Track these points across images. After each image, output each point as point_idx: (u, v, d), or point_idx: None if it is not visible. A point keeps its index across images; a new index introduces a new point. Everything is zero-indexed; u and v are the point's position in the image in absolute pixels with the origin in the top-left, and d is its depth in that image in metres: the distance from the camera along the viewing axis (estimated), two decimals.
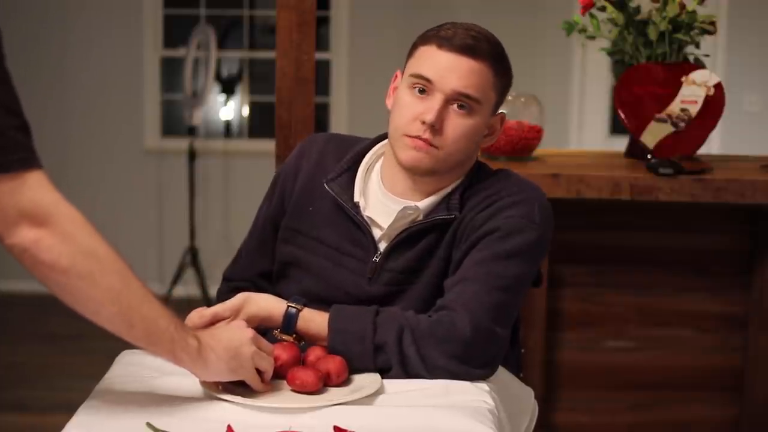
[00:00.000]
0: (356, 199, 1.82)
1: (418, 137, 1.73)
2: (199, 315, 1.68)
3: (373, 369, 1.65)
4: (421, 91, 1.73)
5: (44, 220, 1.36)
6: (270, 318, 1.71)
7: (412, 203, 1.80)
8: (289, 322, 1.69)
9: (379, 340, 1.65)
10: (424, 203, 1.79)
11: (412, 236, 1.79)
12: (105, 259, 1.40)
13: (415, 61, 1.76)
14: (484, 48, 1.73)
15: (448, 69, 1.72)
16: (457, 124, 1.73)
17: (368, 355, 1.65)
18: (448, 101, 1.72)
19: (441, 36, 1.74)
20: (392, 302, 1.77)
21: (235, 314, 1.69)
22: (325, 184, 1.84)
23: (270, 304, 1.72)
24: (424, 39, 1.77)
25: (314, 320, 1.70)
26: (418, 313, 1.72)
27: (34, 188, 1.36)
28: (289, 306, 1.70)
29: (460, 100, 1.72)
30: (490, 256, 1.72)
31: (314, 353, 1.66)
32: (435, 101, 1.72)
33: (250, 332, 1.58)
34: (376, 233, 1.81)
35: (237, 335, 1.57)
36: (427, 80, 1.73)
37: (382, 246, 1.81)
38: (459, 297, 1.69)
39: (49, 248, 1.36)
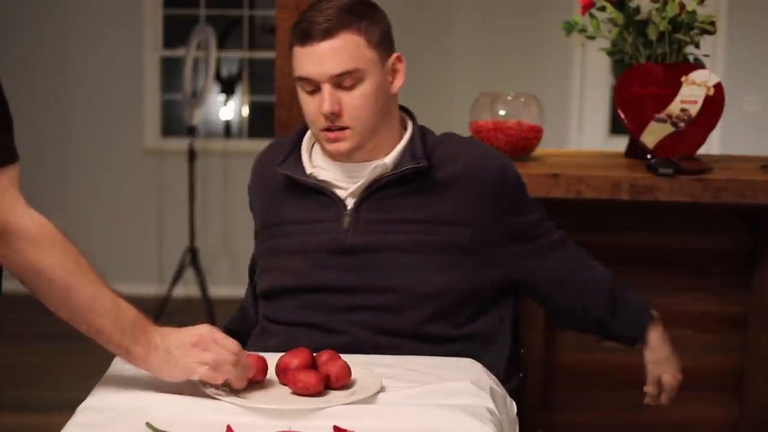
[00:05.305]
0: (308, 171, 1.89)
1: (328, 129, 1.81)
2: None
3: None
4: (312, 91, 1.81)
5: None
6: None
7: (368, 163, 1.85)
8: None
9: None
10: (391, 157, 1.85)
11: (383, 187, 1.85)
12: (51, 272, 1.43)
13: (294, 63, 1.83)
14: (338, 18, 1.77)
15: (318, 62, 1.78)
16: (351, 98, 1.80)
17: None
18: (333, 86, 1.79)
19: (299, 34, 1.80)
20: (373, 251, 1.83)
21: None
22: (277, 170, 1.91)
23: None
24: (291, 38, 1.82)
25: None
26: (404, 260, 1.81)
27: None
28: None
29: (342, 78, 1.78)
30: (536, 215, 1.93)
31: (322, 356, 1.65)
32: (324, 92, 1.79)
33: (203, 328, 1.54)
34: (340, 194, 1.87)
35: (184, 335, 1.54)
36: (309, 80, 1.80)
37: (350, 202, 1.86)
38: (569, 261, 2.01)
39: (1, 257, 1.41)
